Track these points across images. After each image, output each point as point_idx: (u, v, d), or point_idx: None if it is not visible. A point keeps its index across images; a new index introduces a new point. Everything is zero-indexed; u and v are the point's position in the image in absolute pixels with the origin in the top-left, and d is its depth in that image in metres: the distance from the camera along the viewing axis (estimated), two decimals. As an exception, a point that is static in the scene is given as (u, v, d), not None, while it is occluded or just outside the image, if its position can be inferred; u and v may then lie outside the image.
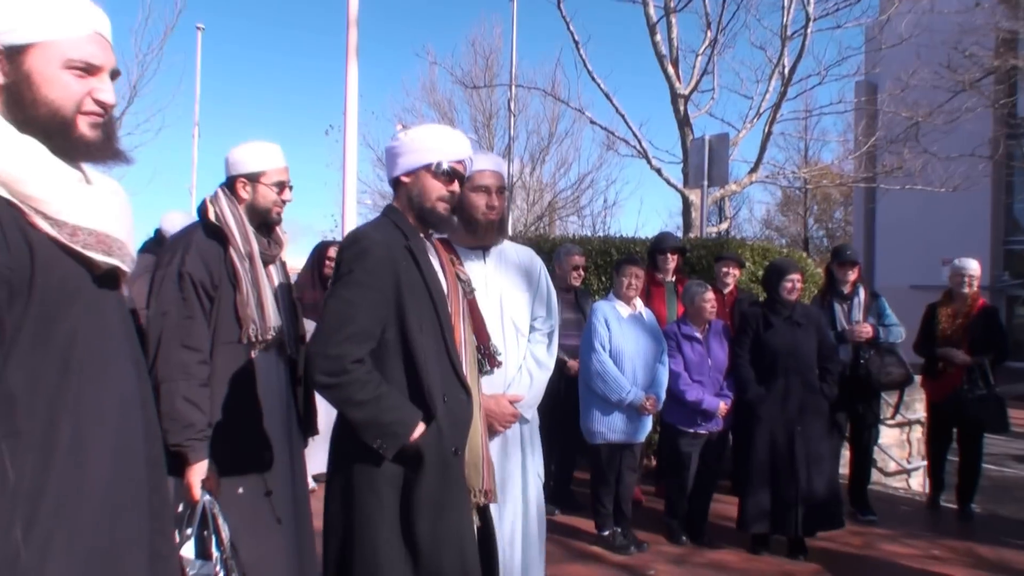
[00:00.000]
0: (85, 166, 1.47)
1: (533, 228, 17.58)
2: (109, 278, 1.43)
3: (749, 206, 31.68)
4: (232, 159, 2.55)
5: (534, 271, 2.84)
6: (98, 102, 1.37)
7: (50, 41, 1.31)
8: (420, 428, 1.98)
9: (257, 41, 46.89)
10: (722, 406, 4.46)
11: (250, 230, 2.49)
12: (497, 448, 2.66)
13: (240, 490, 2.40)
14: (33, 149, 1.29)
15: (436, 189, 2.15)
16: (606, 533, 4.46)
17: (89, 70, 1.36)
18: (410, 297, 2.02)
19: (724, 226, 11.31)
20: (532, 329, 2.82)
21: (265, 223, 2.57)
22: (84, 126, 1.36)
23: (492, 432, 2.61)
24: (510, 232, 14.34)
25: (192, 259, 2.39)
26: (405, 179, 2.18)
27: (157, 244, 4.10)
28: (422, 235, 2.20)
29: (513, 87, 14.56)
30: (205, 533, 2.18)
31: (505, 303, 2.74)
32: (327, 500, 2.10)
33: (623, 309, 4.48)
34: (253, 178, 2.52)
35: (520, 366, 2.75)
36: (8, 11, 1.29)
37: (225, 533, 2.19)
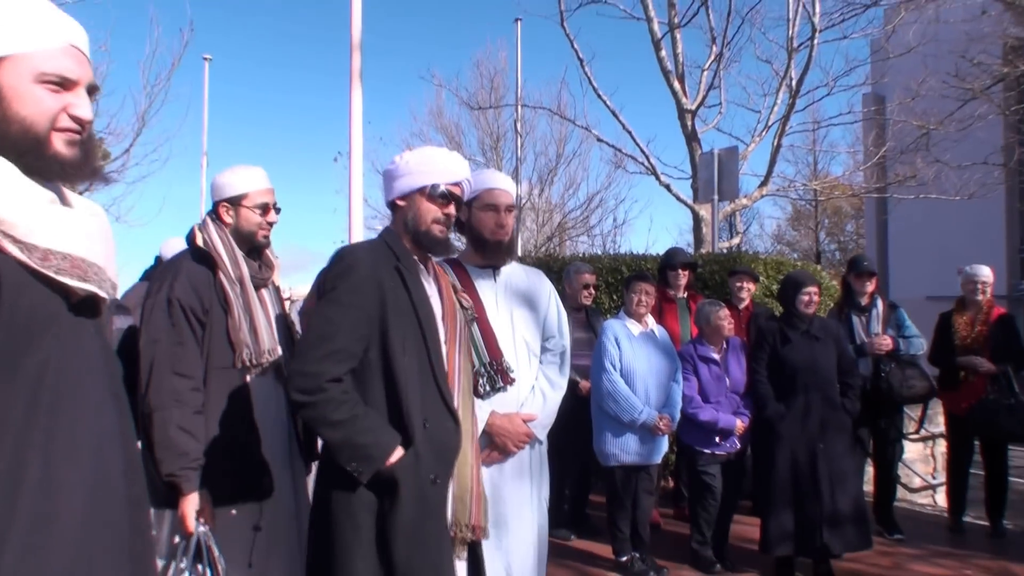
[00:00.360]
0: (64, 187, 1.40)
1: (543, 249, 17.50)
2: (87, 306, 1.34)
3: (760, 221, 31.55)
4: (215, 184, 2.54)
5: (544, 292, 2.81)
6: (74, 118, 1.29)
7: (21, 54, 1.23)
8: (398, 452, 1.91)
9: (264, 70, 47.45)
10: (739, 424, 4.34)
11: (239, 254, 2.46)
12: (510, 475, 2.59)
13: (233, 512, 2.34)
14: (1, 169, 1.21)
15: (431, 212, 2.12)
16: (624, 559, 4.33)
17: (64, 84, 1.28)
18: (395, 318, 1.97)
19: (735, 241, 11.19)
20: (544, 350, 2.77)
21: (253, 247, 2.53)
22: (59, 143, 1.28)
23: (505, 452, 2.57)
24: (520, 253, 14.29)
25: (181, 285, 2.35)
26: (401, 202, 2.16)
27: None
28: (417, 258, 2.15)
29: (519, 107, 14.58)
30: (199, 567, 2.10)
31: (516, 323, 2.69)
32: (310, 524, 2.05)
33: (634, 327, 4.38)
34: (235, 202, 2.50)
35: (533, 386, 2.69)
36: None
37: (221, 566, 2.12)
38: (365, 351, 1.96)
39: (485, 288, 2.67)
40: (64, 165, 1.29)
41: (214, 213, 2.52)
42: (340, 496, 1.93)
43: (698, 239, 8.97)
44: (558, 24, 9.37)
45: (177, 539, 2.24)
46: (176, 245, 4.03)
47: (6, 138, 1.23)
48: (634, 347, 4.30)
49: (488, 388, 2.55)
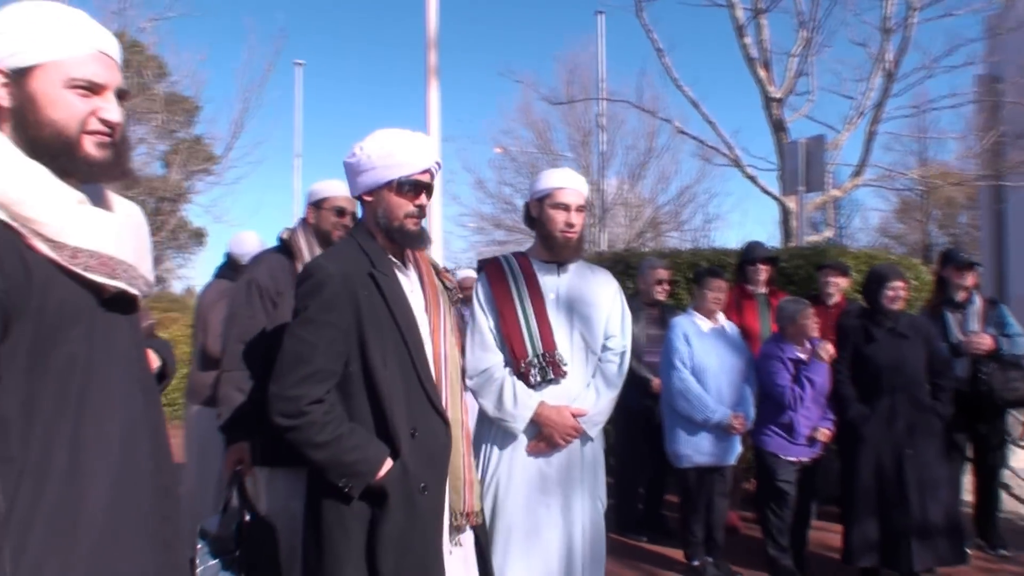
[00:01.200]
0: (105, 188, 1.45)
1: (635, 244, 17.20)
2: (120, 302, 1.39)
3: (862, 213, 29.99)
4: (309, 191, 3.00)
5: (609, 292, 2.80)
6: (103, 121, 1.35)
7: (53, 62, 1.30)
8: (387, 465, 1.89)
9: (352, 71, 48.87)
10: (825, 432, 4.12)
11: (317, 249, 2.81)
12: (556, 469, 2.60)
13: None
14: (32, 171, 1.27)
15: (401, 207, 2.02)
16: (696, 563, 4.19)
17: (93, 89, 1.34)
18: (372, 329, 1.92)
19: (828, 234, 10.65)
20: (604, 348, 2.75)
21: (330, 244, 2.80)
22: (89, 145, 1.34)
23: (551, 444, 2.58)
24: (609, 249, 14.11)
25: (261, 271, 2.79)
26: (368, 197, 2.06)
27: (231, 269, 4.21)
28: (391, 254, 2.08)
29: (602, 102, 14.38)
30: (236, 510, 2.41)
31: (575, 318, 2.69)
32: (303, 529, 2.05)
33: (704, 323, 4.23)
34: (318, 205, 2.90)
35: (588, 383, 2.69)
36: (12, 35, 1.28)
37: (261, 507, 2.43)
38: (346, 365, 1.93)
39: (548, 283, 2.71)
40: (94, 166, 1.35)
41: (306, 214, 2.96)
42: (331, 505, 1.92)
43: (786, 232, 8.58)
44: (634, 15, 9.18)
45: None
46: (244, 239, 4.22)
47: (40, 141, 1.30)
48: (704, 344, 4.15)
49: (539, 379, 2.56)
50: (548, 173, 2.77)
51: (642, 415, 4.92)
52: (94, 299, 1.33)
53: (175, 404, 8.97)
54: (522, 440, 2.59)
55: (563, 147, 17.88)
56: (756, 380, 4.22)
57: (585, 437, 2.64)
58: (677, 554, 4.44)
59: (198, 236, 21.56)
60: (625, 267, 6.84)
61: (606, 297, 2.77)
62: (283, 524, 2.52)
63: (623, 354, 2.77)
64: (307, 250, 2.82)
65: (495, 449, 2.60)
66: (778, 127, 9.11)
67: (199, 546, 2.38)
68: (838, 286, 5.11)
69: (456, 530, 2.08)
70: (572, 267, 2.76)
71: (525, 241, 18.50)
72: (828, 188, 8.09)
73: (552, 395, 2.59)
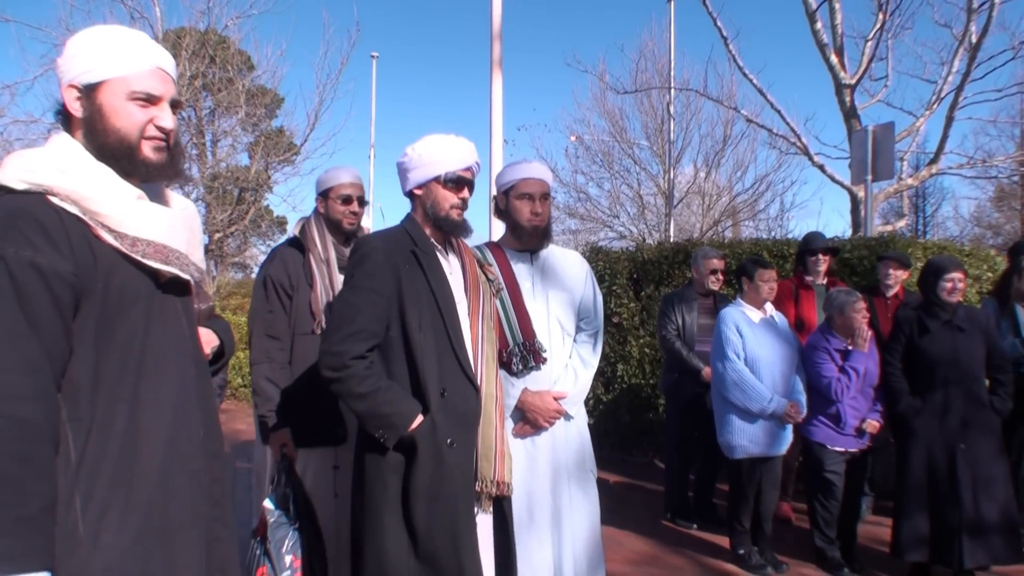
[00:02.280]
0: (163, 186, 1.66)
1: (710, 233, 16.91)
2: (175, 286, 1.60)
3: (954, 202, 28.51)
4: (317, 180, 3.00)
5: (581, 274, 2.91)
6: (159, 127, 1.55)
7: (117, 77, 1.51)
8: (418, 420, 2.08)
9: (424, 63, 49.52)
10: (874, 423, 4.08)
11: (329, 240, 2.89)
12: (543, 449, 2.71)
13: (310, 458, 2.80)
14: (99, 171, 1.49)
15: (447, 198, 2.27)
16: (741, 552, 4.22)
17: (151, 100, 1.54)
18: (411, 298, 2.14)
19: (901, 224, 10.28)
20: (578, 329, 2.87)
21: (342, 232, 2.93)
22: (147, 149, 1.55)
23: (536, 427, 2.69)
24: (682, 238, 13.97)
25: (275, 265, 2.89)
26: (418, 191, 2.31)
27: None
28: (436, 241, 2.30)
29: (672, 90, 14.20)
30: (287, 490, 2.58)
31: (552, 304, 2.80)
32: (352, 484, 2.28)
33: (753, 314, 4.22)
34: (325, 194, 2.95)
35: (566, 364, 2.80)
36: (84, 56, 1.50)
37: (304, 487, 2.63)
38: (387, 330, 2.14)
39: (522, 271, 2.80)
40: (151, 167, 1.56)
41: (315, 206, 3.02)
42: (372, 460, 2.14)
43: (856, 221, 8.35)
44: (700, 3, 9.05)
45: (270, 466, 2.83)
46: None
47: (106, 147, 1.51)
48: (756, 334, 4.14)
49: (521, 367, 2.68)
50: (512, 166, 2.87)
51: (693, 403, 4.96)
52: (151, 283, 1.54)
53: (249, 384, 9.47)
54: (508, 426, 2.68)
55: (638, 135, 17.70)
56: (804, 370, 4.21)
57: (567, 416, 2.75)
58: (726, 542, 4.46)
59: (280, 224, 22.39)
60: (685, 257, 6.84)
61: (578, 280, 2.88)
62: (320, 498, 2.71)
63: (597, 334, 2.88)
64: (319, 241, 2.88)
65: None
66: (850, 114, 8.85)
67: (273, 517, 2.58)
68: (897, 278, 5.00)
69: (487, 497, 2.25)
70: (543, 253, 2.86)
71: (598, 230, 18.50)
72: (899, 177, 7.82)
73: (533, 379, 2.69)
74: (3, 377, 1.30)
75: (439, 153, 2.26)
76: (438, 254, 2.30)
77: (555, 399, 2.69)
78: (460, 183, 2.27)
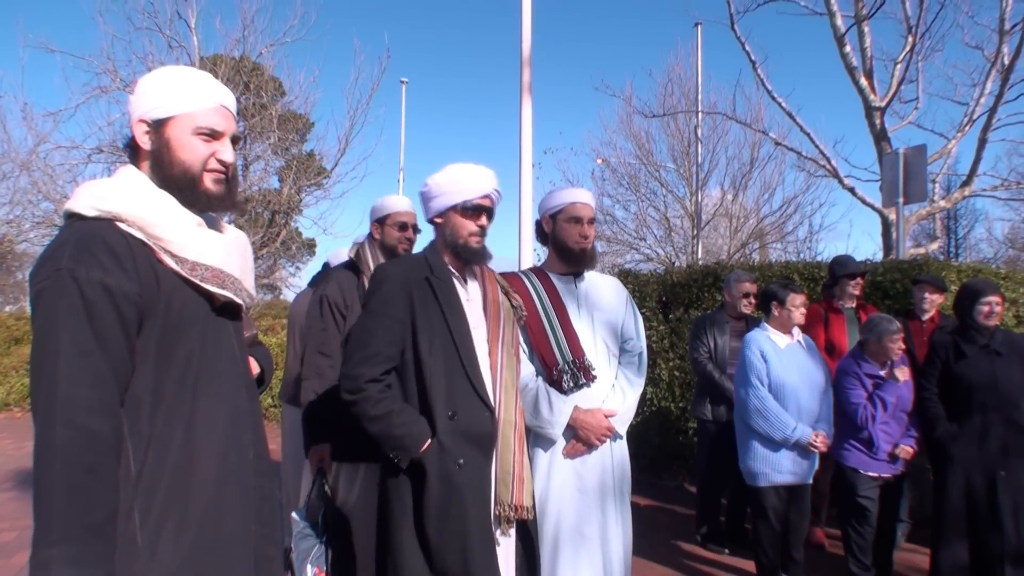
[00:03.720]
0: (218, 216, 1.74)
1: (737, 256, 16.81)
2: (227, 310, 1.68)
3: (987, 223, 28.09)
4: (372, 207, 3.14)
5: (622, 298, 2.97)
6: (220, 161, 1.65)
7: (185, 113, 1.61)
8: (428, 443, 2.13)
9: (453, 88, 50.05)
10: (907, 449, 4.02)
11: (382, 261, 2.97)
12: (592, 468, 2.74)
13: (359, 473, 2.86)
14: (163, 200, 1.58)
15: (465, 226, 2.33)
16: None
17: (214, 135, 1.64)
18: (423, 323, 2.19)
19: (933, 247, 10.15)
20: (623, 351, 2.91)
21: (395, 256, 3.03)
22: (208, 181, 1.64)
23: (588, 445, 2.72)
24: (709, 261, 13.91)
25: (332, 287, 3.02)
26: (438, 220, 2.37)
27: (323, 278, 4.51)
28: (455, 268, 2.36)
29: (699, 113, 14.22)
30: (319, 503, 2.65)
31: (596, 326, 2.84)
32: (378, 501, 2.32)
33: (780, 339, 4.11)
34: (381, 221, 3.12)
35: (613, 385, 2.83)
36: (154, 94, 1.61)
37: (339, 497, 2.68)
38: (402, 353, 2.21)
39: (567, 294, 2.85)
40: (211, 198, 1.65)
41: (370, 231, 3.19)
42: (391, 480, 2.20)
43: (887, 245, 8.27)
44: (728, 27, 9.09)
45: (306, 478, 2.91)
46: (341, 254, 4.51)
47: (171, 178, 1.61)
48: (782, 360, 4.02)
49: (571, 384, 2.71)
50: (559, 191, 2.93)
51: (725, 426, 4.92)
52: (207, 306, 1.62)
53: (278, 405, 9.56)
54: (559, 445, 2.72)
55: (664, 158, 17.73)
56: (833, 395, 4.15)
57: (615, 436, 2.79)
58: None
59: (309, 247, 22.68)
60: (714, 280, 6.82)
61: (619, 304, 2.94)
62: (355, 514, 2.77)
63: (640, 355, 2.93)
64: (373, 265, 3.01)
65: (533, 454, 2.73)
66: (880, 136, 8.80)
67: (298, 528, 2.65)
68: (933, 302, 4.94)
69: (505, 521, 2.28)
70: (587, 276, 2.93)
71: (624, 252, 18.49)
72: (931, 199, 7.74)
73: (582, 399, 2.73)
74: (75, 390, 1.37)
75: (458, 182, 2.32)
76: (456, 281, 2.35)
77: (606, 416, 2.73)
78: (478, 211, 2.33)
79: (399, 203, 3.13)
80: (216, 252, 1.61)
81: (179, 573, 1.46)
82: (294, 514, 2.69)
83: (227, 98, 1.68)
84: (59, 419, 1.35)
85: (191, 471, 1.51)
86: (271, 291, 22.25)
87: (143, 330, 1.49)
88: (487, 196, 2.35)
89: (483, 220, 2.35)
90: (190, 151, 1.61)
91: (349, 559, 2.72)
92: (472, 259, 2.36)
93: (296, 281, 22.77)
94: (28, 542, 1.51)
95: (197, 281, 1.57)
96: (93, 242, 1.46)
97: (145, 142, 1.61)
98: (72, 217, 1.53)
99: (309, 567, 2.55)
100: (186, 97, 1.61)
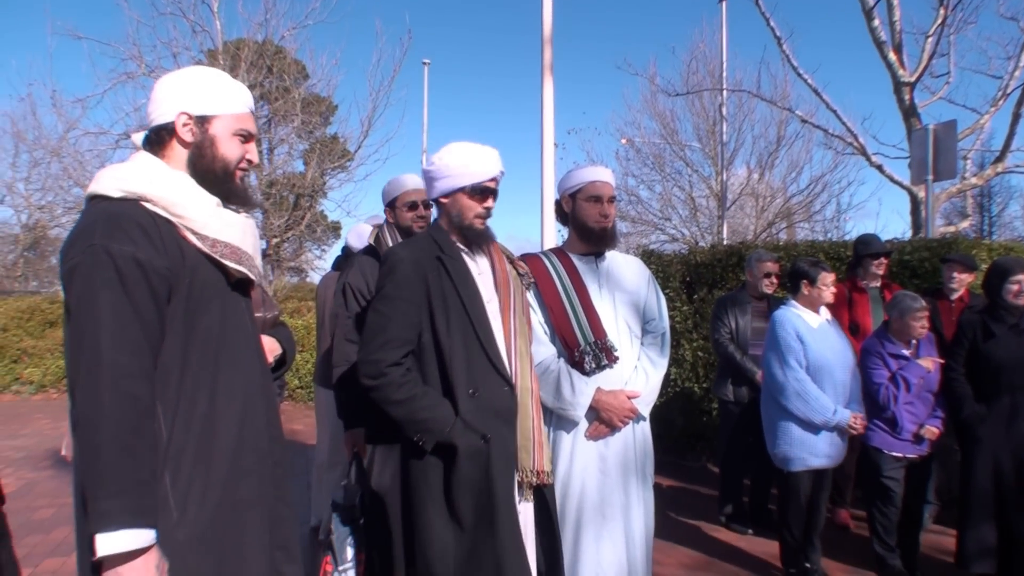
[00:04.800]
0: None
1: (764, 235, 16.60)
2: (241, 286, 1.77)
3: (1022, 200, 27.43)
4: (381, 192, 3.16)
5: (644, 278, 2.94)
6: (248, 161, 1.78)
7: (228, 114, 1.74)
8: (454, 423, 2.16)
9: (474, 68, 49.85)
10: (932, 430, 3.98)
11: None
12: (615, 450, 2.75)
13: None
14: (184, 180, 1.67)
15: (472, 208, 2.34)
16: (792, 571, 4.06)
17: (248, 137, 1.77)
18: (439, 302, 2.21)
19: (965, 224, 9.96)
20: (645, 332, 2.90)
21: (411, 236, 2.99)
22: (238, 178, 1.78)
23: (611, 426, 2.72)
24: (734, 241, 13.78)
25: (354, 274, 3.05)
26: (444, 200, 2.37)
27: (345, 260, 4.53)
28: (461, 245, 2.37)
29: (724, 91, 14.04)
30: (356, 486, 2.68)
31: (618, 306, 2.83)
32: (400, 482, 2.37)
33: (812, 318, 4.03)
34: (392, 204, 3.13)
35: (636, 366, 2.82)
36: (199, 90, 1.72)
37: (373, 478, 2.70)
38: (420, 335, 2.23)
39: (588, 274, 2.83)
40: (239, 193, 1.78)
41: (384, 215, 3.22)
42: (415, 460, 2.23)
43: (916, 223, 8.13)
44: (752, 3, 8.93)
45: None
46: (361, 232, 4.51)
47: (211, 171, 1.73)
48: (817, 340, 3.94)
49: (593, 365, 2.70)
50: (578, 169, 2.90)
51: (747, 407, 4.91)
52: (224, 281, 1.71)
53: (308, 387, 9.69)
54: (581, 426, 2.73)
55: (689, 137, 17.54)
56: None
57: (638, 417, 2.79)
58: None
59: (334, 229, 22.83)
60: (738, 260, 6.77)
61: (641, 284, 2.92)
62: (390, 495, 2.81)
63: (664, 335, 2.92)
64: None
65: (555, 436, 2.75)
66: (909, 112, 8.62)
67: (333, 516, 2.70)
68: (962, 281, 4.87)
69: (528, 487, 2.33)
70: (608, 256, 2.90)
71: (649, 233, 18.36)
72: (962, 176, 7.59)
73: (604, 380, 2.72)
74: (118, 356, 1.46)
75: (468, 165, 2.32)
76: (465, 256, 2.37)
77: (628, 398, 2.73)
78: (485, 193, 2.35)
79: (405, 182, 3.12)
80: (233, 230, 1.71)
81: (206, 531, 1.56)
82: (333, 498, 2.74)
83: (251, 102, 1.82)
84: (106, 383, 1.43)
85: (214, 437, 1.60)
86: (297, 274, 22.47)
87: (171, 302, 1.58)
88: (494, 179, 2.37)
89: (489, 202, 2.37)
90: (232, 150, 1.74)
91: (386, 541, 2.77)
92: (477, 240, 2.39)
93: (321, 263, 22.97)
94: (66, 519, 1.60)
95: (217, 257, 1.67)
96: (122, 219, 1.55)
97: (187, 134, 1.71)
98: (96, 199, 1.62)
99: (350, 550, 2.60)
100: (229, 99, 1.74)
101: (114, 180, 1.61)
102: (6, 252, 21.65)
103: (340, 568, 2.53)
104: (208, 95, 1.71)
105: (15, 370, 11.69)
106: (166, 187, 1.62)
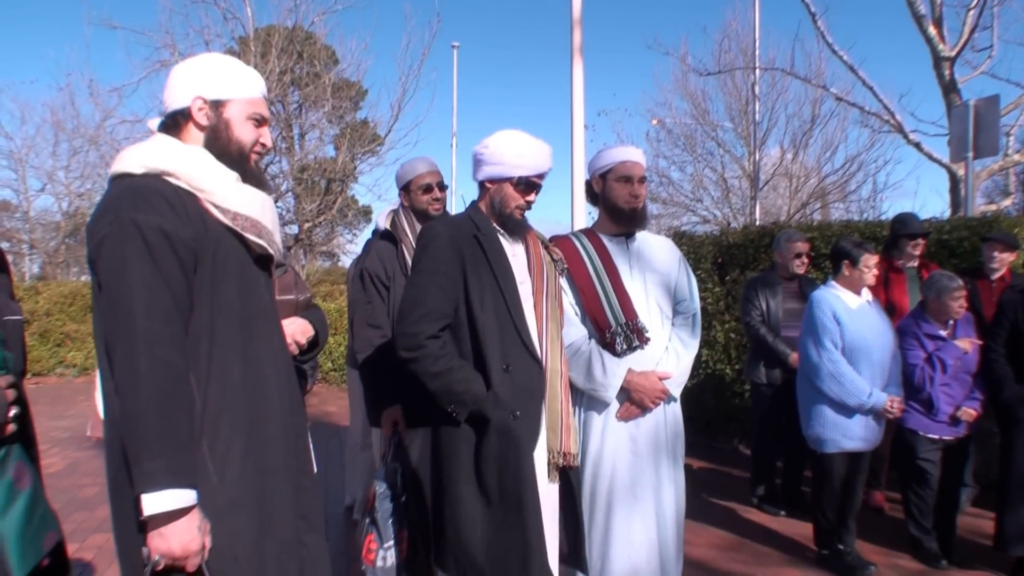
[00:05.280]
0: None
1: (797, 216, 16.34)
2: (261, 261, 1.81)
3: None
4: (396, 176, 3.14)
5: (675, 259, 2.93)
6: (262, 144, 1.82)
7: (242, 99, 1.77)
8: (487, 396, 2.19)
9: (504, 51, 49.55)
10: (970, 411, 3.91)
11: (417, 227, 2.99)
12: (645, 431, 2.75)
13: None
14: (204, 156, 1.71)
15: (516, 199, 2.37)
16: (826, 552, 4.04)
17: (262, 121, 1.81)
18: (474, 278, 2.24)
19: (1007, 203, 9.70)
20: (676, 313, 2.89)
21: (430, 220, 2.99)
22: (253, 160, 1.81)
23: (642, 407, 2.72)
24: (767, 221, 13.61)
25: (371, 259, 3.03)
26: (489, 185, 2.39)
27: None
28: (497, 227, 2.39)
29: (757, 70, 13.79)
30: (396, 465, 2.68)
31: (649, 286, 2.82)
32: (431, 457, 2.40)
33: (851, 299, 3.92)
34: (407, 187, 3.12)
35: (667, 347, 2.81)
36: (214, 74, 1.75)
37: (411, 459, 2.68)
38: (456, 310, 2.26)
39: (619, 255, 2.83)
40: (254, 174, 1.81)
41: (400, 199, 3.18)
42: (446, 433, 2.27)
43: (955, 202, 7.94)
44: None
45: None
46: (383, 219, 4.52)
47: (227, 153, 1.76)
48: (856, 322, 3.84)
49: (624, 347, 2.71)
50: (608, 149, 2.88)
51: (780, 389, 4.87)
52: (246, 255, 1.75)
53: (341, 369, 9.82)
54: (612, 407, 2.73)
55: (721, 117, 17.27)
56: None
57: (669, 398, 2.79)
58: (811, 529, 4.38)
59: (365, 214, 22.99)
60: (771, 240, 6.66)
61: (672, 264, 2.91)
62: (423, 470, 2.85)
63: (695, 316, 2.90)
64: (409, 232, 3.02)
65: (587, 417, 2.76)
66: (949, 88, 8.40)
67: (380, 489, 2.73)
68: (1003, 260, 4.75)
69: (554, 467, 2.36)
70: (639, 237, 2.89)
71: (681, 215, 18.18)
72: (1004, 153, 7.38)
73: (635, 362, 2.72)
74: (151, 324, 1.50)
75: (522, 157, 2.34)
76: (500, 238, 2.40)
77: (660, 379, 2.73)
78: (531, 187, 2.37)
79: (418, 166, 3.12)
80: (254, 205, 1.75)
81: (244, 495, 1.63)
82: (376, 480, 2.77)
83: (264, 88, 1.86)
84: (141, 350, 1.48)
85: (246, 405, 1.65)
86: (329, 258, 22.71)
87: (197, 273, 1.62)
88: (542, 174, 2.39)
89: (532, 196, 2.39)
90: (247, 133, 1.78)
91: (425, 517, 2.81)
92: (515, 230, 2.41)
93: (353, 247, 23.15)
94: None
95: (239, 230, 1.70)
96: (147, 191, 1.59)
97: (202, 118, 1.74)
98: (119, 178, 1.65)
99: (392, 526, 2.63)
100: (242, 84, 1.77)
101: (136, 158, 1.65)
102: (48, 239, 22.17)
103: (385, 545, 2.57)
104: (222, 80, 1.74)
105: (59, 353, 12.01)
106: (188, 162, 1.65)
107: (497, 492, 2.19)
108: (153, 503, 1.45)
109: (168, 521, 1.47)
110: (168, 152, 1.66)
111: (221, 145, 1.74)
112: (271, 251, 1.79)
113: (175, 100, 1.75)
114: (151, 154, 1.65)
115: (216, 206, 1.67)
